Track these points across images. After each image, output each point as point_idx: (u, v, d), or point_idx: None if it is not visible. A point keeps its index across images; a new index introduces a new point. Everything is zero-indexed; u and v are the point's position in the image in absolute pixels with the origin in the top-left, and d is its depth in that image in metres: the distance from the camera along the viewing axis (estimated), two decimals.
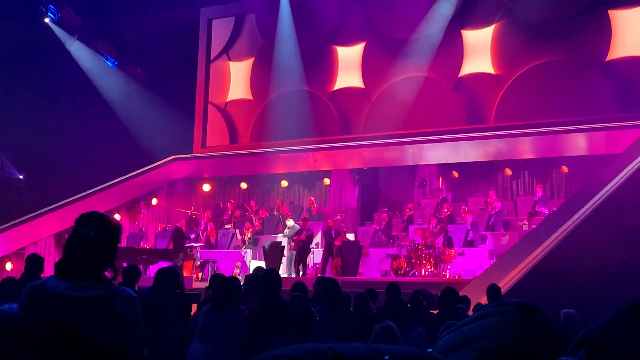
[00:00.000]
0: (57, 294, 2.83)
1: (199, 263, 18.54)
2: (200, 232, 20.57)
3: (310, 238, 18.18)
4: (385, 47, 21.58)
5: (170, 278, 6.65)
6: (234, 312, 6.07)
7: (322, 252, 18.23)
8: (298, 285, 8.23)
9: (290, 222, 18.87)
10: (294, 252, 18.04)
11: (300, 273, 17.49)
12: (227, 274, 10.33)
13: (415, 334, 6.07)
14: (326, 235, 18.08)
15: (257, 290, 6.75)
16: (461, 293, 10.38)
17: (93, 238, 2.88)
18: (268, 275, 6.54)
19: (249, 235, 19.66)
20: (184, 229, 20.11)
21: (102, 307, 2.87)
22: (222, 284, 6.35)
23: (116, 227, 3.01)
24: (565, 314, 7.83)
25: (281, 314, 5.85)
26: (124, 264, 10.43)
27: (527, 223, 17.45)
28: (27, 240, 20.98)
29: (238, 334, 5.94)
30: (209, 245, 19.89)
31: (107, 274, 2.95)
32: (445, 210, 18.66)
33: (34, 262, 7.36)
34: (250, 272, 11.60)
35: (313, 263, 18.41)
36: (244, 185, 23.68)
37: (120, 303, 2.92)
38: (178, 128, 23.46)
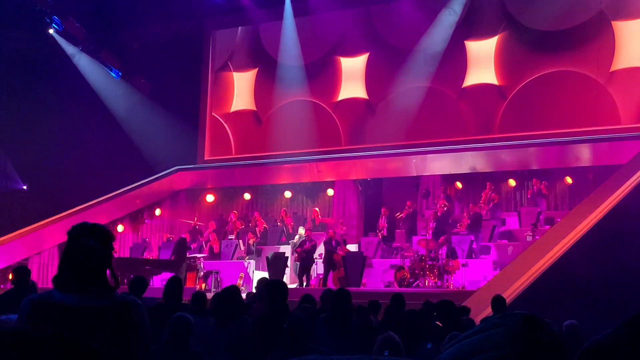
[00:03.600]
0: (67, 305, 2.80)
1: (202, 274, 18.53)
2: (203, 242, 20.59)
3: (314, 248, 18.19)
4: (389, 57, 21.61)
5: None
6: (239, 323, 6.02)
7: (323, 264, 18.21)
8: (307, 297, 8.19)
9: (302, 230, 19.00)
10: (298, 262, 18.05)
11: (304, 284, 17.47)
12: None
13: (424, 348, 6.02)
14: (327, 245, 18.08)
15: (263, 299, 6.73)
16: (465, 304, 10.35)
17: (95, 247, 2.88)
18: (272, 284, 6.52)
19: (252, 241, 19.76)
20: (188, 239, 20.13)
21: (118, 316, 2.86)
22: (222, 295, 6.31)
23: (111, 235, 3.02)
24: (568, 325, 7.80)
25: (281, 324, 5.82)
26: (131, 275, 10.41)
27: (531, 234, 17.43)
28: (31, 251, 20.98)
29: (245, 346, 5.91)
30: (211, 255, 19.90)
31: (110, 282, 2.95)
32: (442, 206, 18.88)
33: (23, 274, 7.32)
34: (254, 282, 11.58)
35: (317, 274, 18.39)
36: (247, 196, 23.71)
37: (136, 311, 2.92)
38: (181, 138, 23.50)
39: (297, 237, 18.98)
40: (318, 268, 18.47)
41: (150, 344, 3.06)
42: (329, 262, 17.68)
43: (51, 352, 0.79)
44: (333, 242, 17.92)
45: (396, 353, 4.40)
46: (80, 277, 2.86)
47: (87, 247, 2.88)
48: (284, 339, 5.32)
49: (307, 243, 18.02)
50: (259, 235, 20.73)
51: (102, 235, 2.95)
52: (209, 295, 8.11)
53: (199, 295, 7.25)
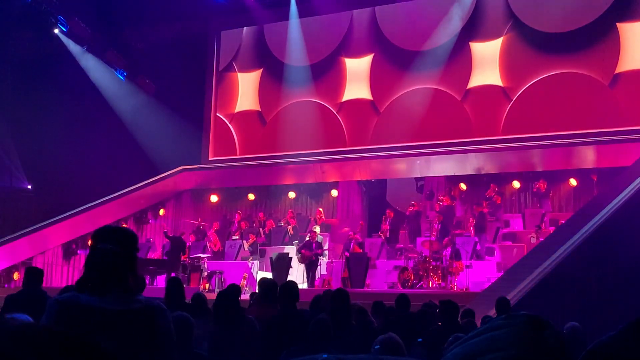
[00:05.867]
0: (93, 307, 2.83)
1: (206, 274, 18.55)
2: (207, 243, 20.62)
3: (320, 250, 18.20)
4: (394, 58, 21.61)
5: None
6: (244, 323, 6.01)
7: (342, 264, 18.10)
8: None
9: (317, 229, 18.97)
10: (303, 264, 17.98)
11: (306, 284, 17.44)
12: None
13: (416, 348, 6.04)
14: (346, 247, 18.08)
15: (274, 300, 6.73)
16: (469, 306, 10.34)
17: (114, 251, 2.90)
18: (286, 286, 6.53)
19: (251, 241, 19.76)
20: (192, 239, 20.13)
21: (142, 320, 2.88)
22: (222, 295, 6.30)
23: (133, 237, 3.04)
24: (570, 327, 7.79)
25: (297, 324, 5.83)
26: None
27: (535, 235, 17.42)
28: (35, 250, 21.01)
29: (253, 346, 5.91)
30: (213, 254, 19.92)
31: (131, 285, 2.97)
32: (446, 206, 18.90)
33: (34, 275, 7.28)
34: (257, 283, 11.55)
35: (320, 275, 18.37)
36: (251, 197, 23.72)
37: (159, 317, 2.95)
38: (186, 139, 23.52)
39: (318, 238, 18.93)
40: (321, 269, 18.44)
41: (175, 351, 3.06)
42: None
43: (60, 350, 0.79)
44: (351, 245, 17.91)
45: (396, 353, 4.40)
46: (98, 280, 2.90)
47: (102, 251, 2.92)
48: (307, 339, 5.33)
49: (314, 244, 18.01)
50: (262, 236, 20.75)
51: (121, 238, 2.98)
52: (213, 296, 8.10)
53: (199, 297, 7.24)
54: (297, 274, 18.05)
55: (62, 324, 2.81)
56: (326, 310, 7.10)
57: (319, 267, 18.25)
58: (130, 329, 2.84)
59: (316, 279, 18.04)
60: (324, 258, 18.75)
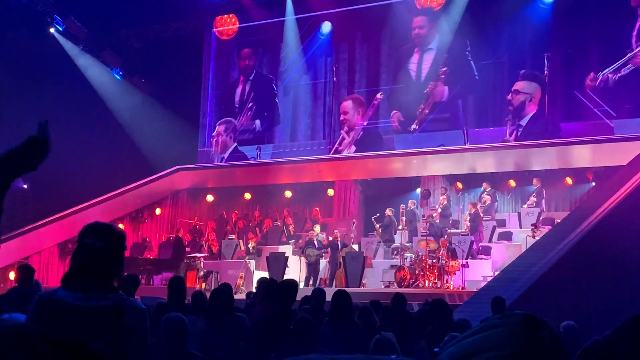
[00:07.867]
0: (67, 303, 2.84)
1: (202, 273, 18.52)
2: (203, 242, 20.59)
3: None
4: (393, 58, 21.63)
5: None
6: (235, 321, 6.03)
7: (327, 264, 18.13)
8: (308, 298, 8.19)
9: (317, 228, 18.90)
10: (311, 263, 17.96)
11: (302, 284, 17.42)
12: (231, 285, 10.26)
13: (419, 346, 6.04)
14: (331, 245, 18.03)
15: (269, 299, 6.73)
16: (464, 305, 10.36)
17: (98, 248, 2.89)
18: (283, 286, 6.52)
19: (252, 245, 19.70)
20: (188, 239, 20.11)
21: (110, 317, 2.87)
22: (213, 295, 6.30)
23: (120, 236, 3.02)
24: (566, 326, 7.78)
25: (286, 324, 5.84)
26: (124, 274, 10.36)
27: (531, 235, 17.41)
28: (31, 250, 20.97)
29: (244, 342, 5.91)
30: (210, 254, 19.90)
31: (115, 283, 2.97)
32: (442, 206, 18.95)
33: (27, 273, 7.30)
34: (254, 282, 11.53)
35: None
36: (247, 196, 23.67)
37: (129, 314, 2.92)
38: (182, 138, 23.49)
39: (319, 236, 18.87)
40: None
41: (147, 349, 3.05)
42: (336, 263, 17.63)
43: (51, 350, 0.79)
44: (338, 244, 17.89)
45: (391, 353, 4.40)
46: (83, 276, 2.89)
47: (90, 247, 2.91)
48: (291, 339, 5.33)
49: (316, 244, 18.03)
50: (259, 235, 20.71)
51: (109, 235, 2.97)
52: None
53: (199, 295, 7.23)
54: (293, 273, 18.03)
55: (39, 318, 2.83)
56: (317, 310, 7.11)
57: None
58: (102, 326, 2.83)
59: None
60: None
